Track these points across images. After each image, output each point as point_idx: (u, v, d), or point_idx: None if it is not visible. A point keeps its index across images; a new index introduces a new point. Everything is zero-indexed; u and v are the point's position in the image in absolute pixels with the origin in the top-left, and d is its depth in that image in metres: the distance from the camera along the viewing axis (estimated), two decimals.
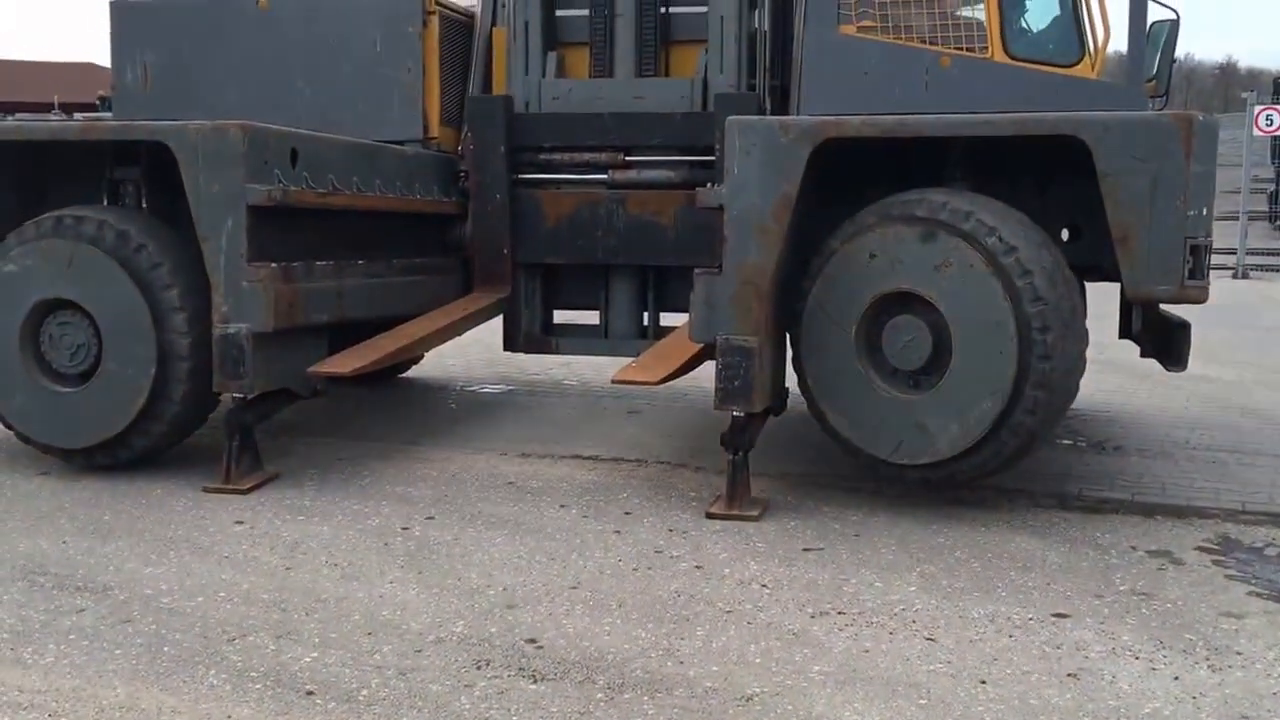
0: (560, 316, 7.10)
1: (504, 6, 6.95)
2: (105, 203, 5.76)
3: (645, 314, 6.81)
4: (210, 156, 5.22)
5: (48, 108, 20.21)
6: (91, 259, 5.34)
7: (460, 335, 6.58)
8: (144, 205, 5.73)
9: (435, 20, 6.84)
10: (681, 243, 6.46)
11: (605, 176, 6.66)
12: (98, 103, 13.47)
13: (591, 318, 6.94)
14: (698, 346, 5.29)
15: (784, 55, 6.79)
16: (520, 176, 6.74)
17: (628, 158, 6.62)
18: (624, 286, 6.77)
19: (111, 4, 7.21)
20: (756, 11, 6.64)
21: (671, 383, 5.82)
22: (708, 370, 5.26)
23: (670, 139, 6.57)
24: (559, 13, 6.91)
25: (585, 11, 6.82)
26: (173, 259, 5.37)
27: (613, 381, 5.29)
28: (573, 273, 6.89)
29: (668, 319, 6.67)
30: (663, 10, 6.74)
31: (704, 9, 6.60)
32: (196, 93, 6.99)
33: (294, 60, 6.93)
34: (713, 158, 6.22)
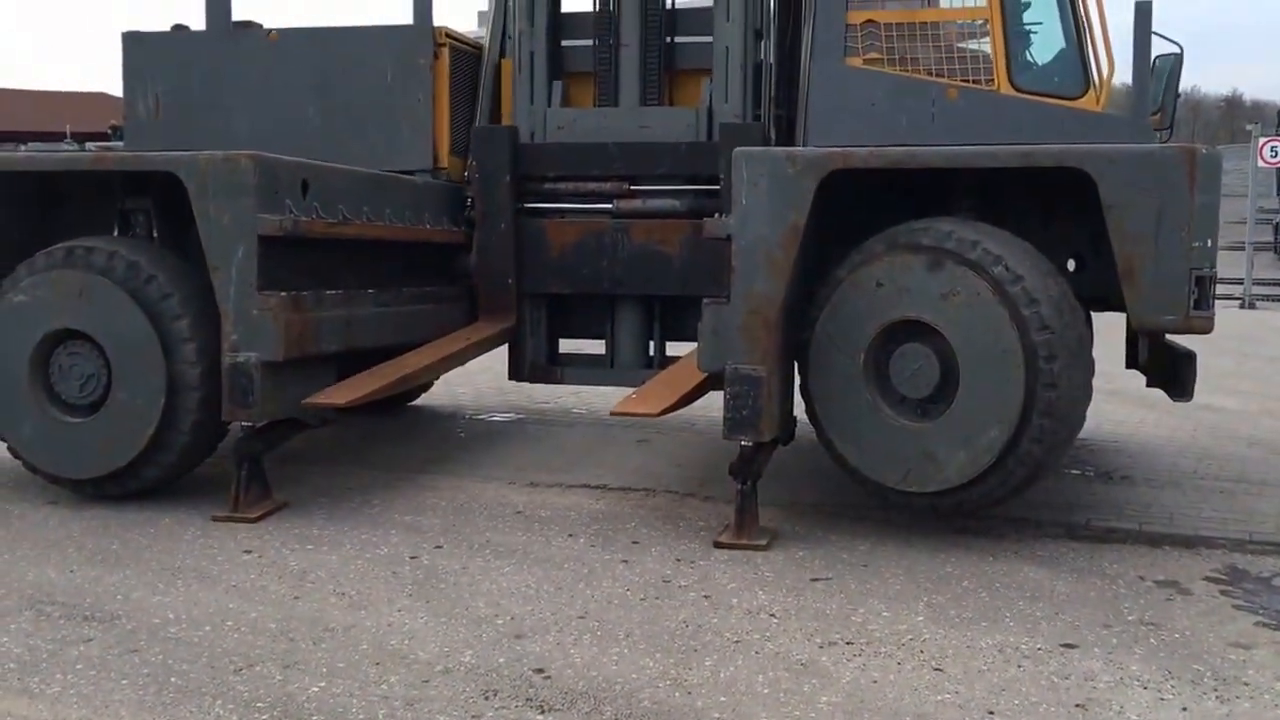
0: (566, 346, 7.12)
1: (510, 38, 6.99)
2: (116, 232, 5.79)
3: (651, 344, 6.80)
4: (221, 187, 5.26)
5: (60, 136, 20.37)
6: (102, 289, 5.37)
7: (463, 365, 6.59)
8: (155, 235, 5.76)
9: (446, 52, 6.90)
10: (687, 272, 6.48)
11: (610, 206, 6.68)
12: (109, 132, 13.56)
13: (597, 347, 6.95)
14: (701, 377, 5.29)
15: (790, 86, 6.85)
16: (525, 206, 6.77)
17: (633, 187, 6.65)
18: (629, 316, 6.78)
19: (124, 34, 7.29)
20: (762, 42, 6.67)
21: (680, 411, 5.83)
22: (716, 399, 5.26)
23: (675, 168, 6.59)
24: (564, 42, 6.94)
25: (590, 41, 6.86)
26: (183, 289, 5.40)
27: (612, 413, 5.28)
28: (578, 302, 6.89)
29: (674, 348, 6.67)
30: (668, 40, 6.77)
31: (709, 39, 6.64)
32: (207, 123, 7.04)
33: (304, 91, 6.99)
34: (718, 187, 6.27)
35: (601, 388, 7.50)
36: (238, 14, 7.17)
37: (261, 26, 7.22)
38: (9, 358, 5.51)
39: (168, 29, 7.37)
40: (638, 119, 6.71)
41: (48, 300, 5.45)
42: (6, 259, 5.65)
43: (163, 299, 5.36)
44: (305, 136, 6.80)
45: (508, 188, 6.69)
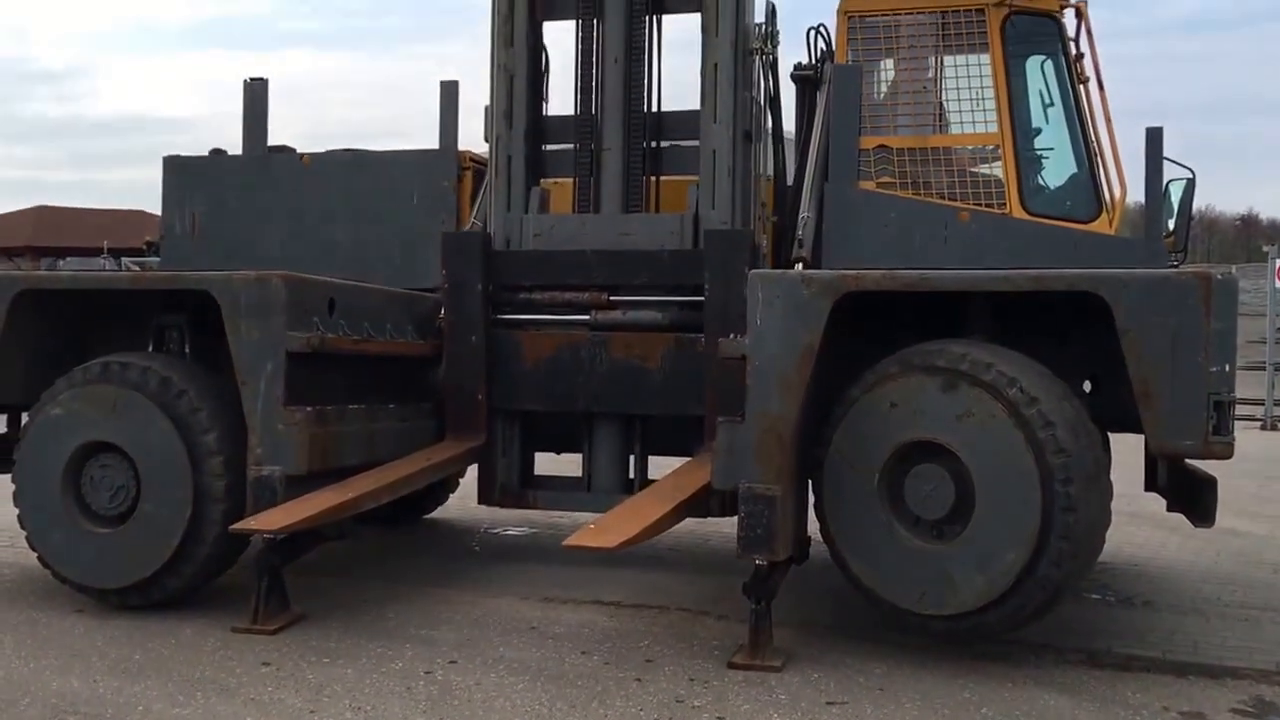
0: (541, 464, 6.74)
1: (488, 141, 6.75)
2: (151, 347, 5.96)
3: (632, 465, 6.40)
4: (252, 305, 5.42)
5: (97, 251, 20.89)
6: (135, 403, 5.50)
7: (419, 487, 6.16)
8: (187, 350, 5.92)
9: (469, 175, 7.13)
10: (669, 389, 6.12)
11: (588, 317, 6.34)
12: (144, 247, 13.94)
13: (574, 466, 6.57)
14: (670, 505, 5.11)
15: (781, 193, 6.82)
16: (498, 317, 6.44)
17: (612, 298, 6.31)
18: (607, 435, 6.40)
19: (165, 159, 7.59)
20: (753, 145, 6.46)
21: (693, 528, 5.83)
22: (730, 516, 5.28)
23: (657, 278, 6.25)
24: (545, 146, 6.70)
25: (571, 145, 6.62)
26: (212, 403, 5.53)
27: (564, 547, 4.85)
28: (553, 420, 6.50)
29: (657, 467, 6.30)
30: (652, 144, 6.52)
31: (695, 142, 6.37)
32: (241, 242, 7.27)
33: (334, 212, 7.21)
34: (702, 298, 6.04)
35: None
36: (274, 139, 7.47)
37: (295, 151, 7.51)
38: (43, 468, 5.63)
39: (206, 154, 7.68)
40: (619, 226, 6.38)
41: (82, 413, 5.58)
42: (48, 372, 5.80)
43: (192, 413, 5.48)
44: (334, 256, 6.99)
45: (479, 297, 6.34)
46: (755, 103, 6.51)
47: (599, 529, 4.93)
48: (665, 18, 6.59)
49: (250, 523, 5.21)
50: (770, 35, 6.50)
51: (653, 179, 6.58)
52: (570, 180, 6.68)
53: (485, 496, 6.53)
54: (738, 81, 6.29)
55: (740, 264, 5.92)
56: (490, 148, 6.68)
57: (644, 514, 5.06)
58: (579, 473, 6.58)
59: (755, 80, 6.51)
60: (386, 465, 5.90)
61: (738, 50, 6.30)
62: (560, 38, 6.81)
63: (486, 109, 6.76)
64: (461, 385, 6.38)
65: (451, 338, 6.40)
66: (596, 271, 6.30)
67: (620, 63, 6.47)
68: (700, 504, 5.58)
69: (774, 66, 6.69)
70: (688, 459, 6.08)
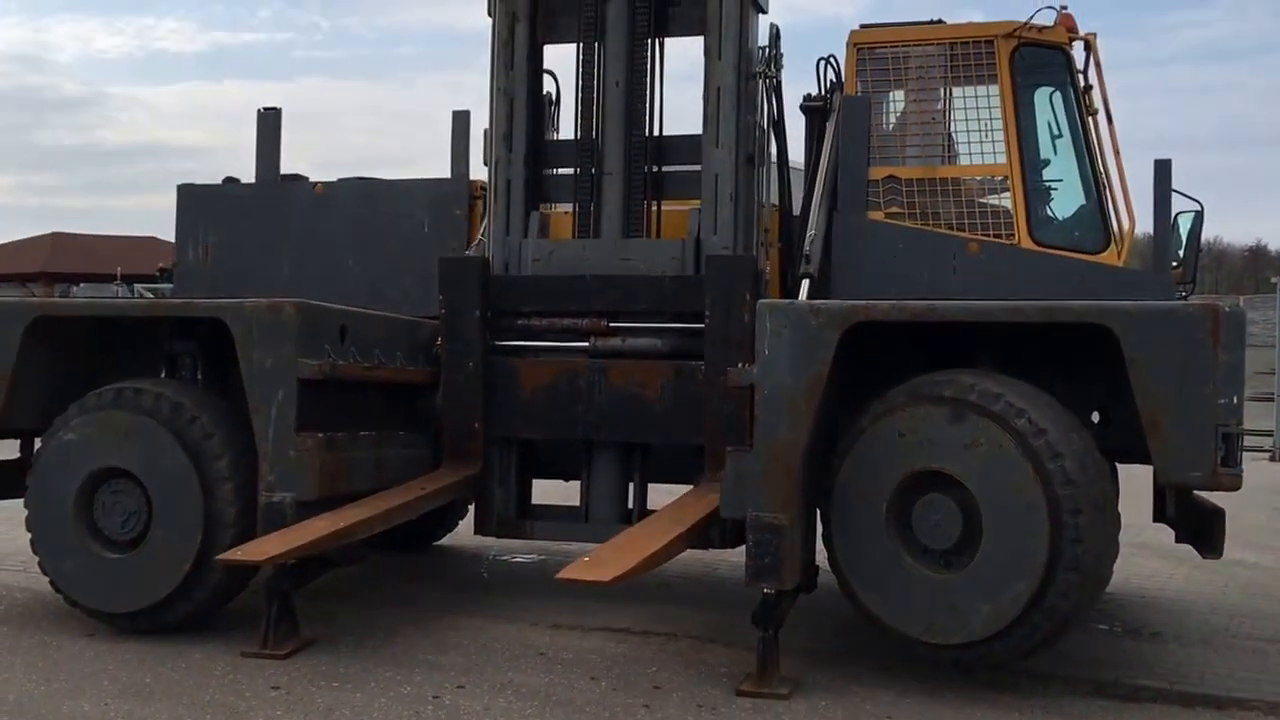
0: (539, 492, 6.61)
1: (487, 165, 6.65)
2: (164, 373, 6.00)
3: (631, 495, 6.28)
4: (265, 332, 5.47)
5: (111, 278, 21.02)
6: (148, 429, 5.55)
7: (413, 517, 6.01)
8: (199, 377, 5.97)
9: (481, 204, 7.17)
10: (670, 418, 5.98)
11: (587, 344, 6.20)
12: (157, 274, 14.04)
13: (572, 496, 6.44)
14: (669, 538, 5.03)
15: (787, 220, 6.76)
16: (496, 343, 6.29)
17: (612, 324, 6.17)
18: (606, 465, 6.27)
19: (179, 187, 7.67)
20: (756, 170, 6.38)
21: (701, 555, 5.83)
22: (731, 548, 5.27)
23: (657, 304, 6.13)
24: (545, 171, 6.63)
25: (571, 170, 6.53)
26: (224, 430, 5.57)
27: (558, 580, 4.71)
28: (551, 449, 6.41)
29: (660, 494, 6.19)
30: (654, 169, 6.43)
31: (698, 167, 6.29)
32: (253, 269, 7.32)
33: (346, 240, 7.26)
34: (703, 325, 5.94)
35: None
36: (286, 168, 7.54)
37: (308, 179, 7.58)
38: (56, 494, 5.67)
39: (220, 182, 7.76)
40: (619, 251, 6.27)
41: (95, 439, 5.63)
42: (61, 398, 5.84)
43: (204, 439, 5.52)
44: (346, 283, 7.03)
45: (477, 324, 6.20)
46: (758, 127, 6.44)
47: (594, 561, 4.82)
48: (667, 41, 6.52)
49: (237, 553, 5.13)
50: (774, 59, 6.44)
51: (654, 204, 6.51)
52: (569, 213, 6.63)
53: (482, 526, 6.41)
54: (740, 105, 6.23)
55: (742, 290, 5.86)
56: (489, 171, 6.59)
57: (641, 547, 4.95)
58: (577, 501, 6.45)
59: (758, 104, 6.44)
60: (379, 494, 5.81)
61: (740, 74, 6.23)
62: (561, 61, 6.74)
63: (485, 132, 6.71)
64: (458, 413, 6.25)
65: (448, 365, 6.28)
66: (596, 297, 6.17)
67: (622, 86, 6.41)
68: (700, 535, 5.50)
69: (778, 90, 6.60)
70: (689, 488, 6.01)
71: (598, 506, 6.30)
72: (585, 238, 6.45)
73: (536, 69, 6.66)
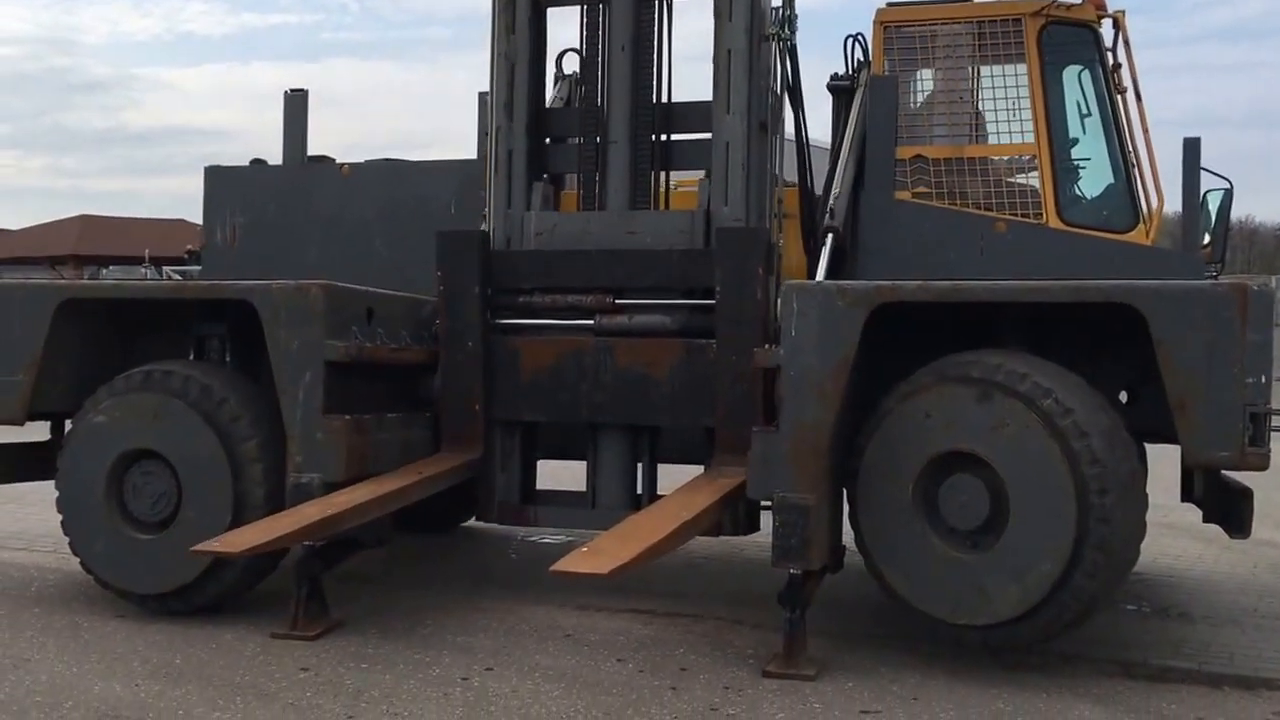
0: (544, 475, 6.38)
1: (488, 135, 6.36)
2: (192, 355, 6.05)
3: (639, 479, 6.03)
4: (292, 314, 5.50)
5: (139, 260, 21.17)
6: (177, 411, 5.59)
7: (410, 502, 5.72)
8: (228, 359, 6.01)
9: None
10: (678, 399, 5.73)
11: (592, 322, 5.95)
12: (185, 256, 14.10)
13: (578, 480, 6.20)
14: (673, 526, 4.81)
15: (807, 192, 6.62)
16: (497, 322, 6.05)
17: (618, 300, 5.92)
18: (613, 448, 5.99)
19: (207, 169, 7.71)
20: (769, 138, 6.04)
21: (728, 536, 5.82)
22: (764, 524, 5.29)
23: (666, 279, 5.86)
24: (548, 140, 6.38)
25: (576, 140, 6.30)
26: (252, 411, 5.61)
27: (552, 572, 4.42)
28: (555, 432, 6.16)
29: (671, 475, 5.99)
30: (662, 137, 6.15)
31: (707, 135, 6.01)
32: (281, 251, 7.35)
33: (373, 221, 7.28)
34: (714, 301, 5.69)
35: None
36: (316, 149, 7.57)
37: (335, 161, 7.60)
38: (86, 475, 5.72)
39: (247, 164, 7.79)
40: (625, 224, 5.98)
41: (125, 421, 5.68)
42: (90, 381, 5.90)
43: (233, 421, 5.57)
44: (373, 265, 7.05)
45: (476, 301, 5.95)
46: (771, 92, 6.09)
47: (592, 551, 4.57)
48: (675, 2, 6.23)
49: (214, 544, 4.98)
50: (787, 19, 6.06)
51: (661, 174, 6.25)
52: (573, 193, 6.43)
53: (483, 513, 6.17)
54: (753, 69, 5.89)
55: (754, 264, 5.63)
56: (489, 141, 6.31)
57: (644, 535, 4.71)
58: (583, 486, 6.19)
59: (771, 68, 6.09)
60: (375, 479, 5.63)
61: (752, 35, 5.89)
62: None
63: (482, 95, 6.47)
64: (457, 395, 6.00)
65: (447, 344, 6.03)
66: (601, 273, 5.91)
67: (628, 50, 6.11)
68: (710, 522, 5.33)
69: (792, 53, 6.23)
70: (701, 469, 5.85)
71: (605, 492, 6.03)
72: (590, 210, 6.20)
73: (540, 33, 6.36)
